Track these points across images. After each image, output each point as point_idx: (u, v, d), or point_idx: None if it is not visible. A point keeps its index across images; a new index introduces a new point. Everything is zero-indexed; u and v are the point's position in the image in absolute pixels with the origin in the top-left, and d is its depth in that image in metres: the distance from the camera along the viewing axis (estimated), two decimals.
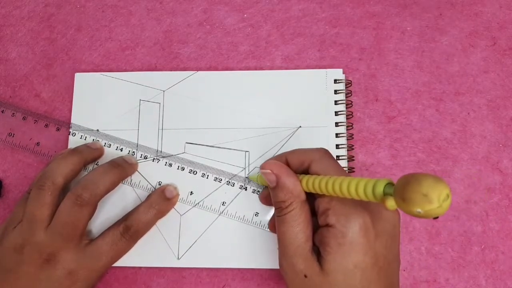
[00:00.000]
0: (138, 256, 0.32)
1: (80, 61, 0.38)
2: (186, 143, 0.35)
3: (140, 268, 0.33)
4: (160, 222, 0.33)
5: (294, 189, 0.26)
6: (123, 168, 0.32)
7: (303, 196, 0.27)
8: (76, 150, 0.32)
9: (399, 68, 0.36)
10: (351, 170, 0.34)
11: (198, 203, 0.33)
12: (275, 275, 0.33)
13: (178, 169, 0.34)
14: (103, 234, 0.31)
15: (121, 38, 0.38)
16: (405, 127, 0.35)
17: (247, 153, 0.34)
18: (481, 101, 0.35)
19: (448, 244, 0.33)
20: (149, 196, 0.33)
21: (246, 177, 0.33)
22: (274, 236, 0.32)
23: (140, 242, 0.32)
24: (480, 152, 0.34)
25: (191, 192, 0.33)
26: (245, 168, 0.34)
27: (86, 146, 0.33)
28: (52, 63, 0.38)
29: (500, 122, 0.35)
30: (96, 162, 0.34)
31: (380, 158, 0.34)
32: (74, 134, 0.35)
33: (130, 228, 0.31)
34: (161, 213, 0.32)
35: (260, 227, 0.33)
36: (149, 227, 0.32)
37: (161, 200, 0.32)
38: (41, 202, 0.29)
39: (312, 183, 0.26)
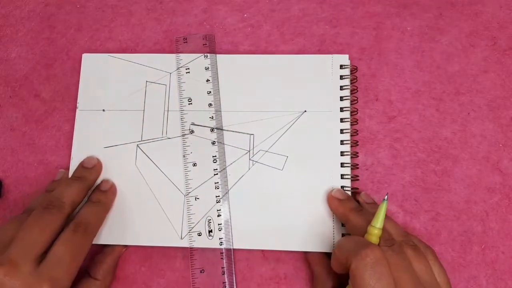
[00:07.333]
0: (142, 234, 0.33)
1: (80, 61, 0.37)
2: (191, 124, 0.35)
3: (140, 267, 0.33)
4: (164, 203, 0.33)
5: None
6: (84, 179, 0.33)
7: None
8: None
9: (399, 68, 0.36)
10: (355, 166, 0.34)
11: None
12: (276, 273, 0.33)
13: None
14: (56, 239, 0.28)
15: (121, 38, 0.38)
16: (405, 127, 0.35)
17: (252, 136, 0.34)
18: (481, 101, 0.35)
19: (448, 244, 0.33)
20: (90, 194, 0.33)
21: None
22: (274, 217, 0.33)
23: (144, 221, 0.33)
24: (480, 152, 0.34)
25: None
26: (249, 151, 0.34)
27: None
28: (52, 63, 0.38)
29: (500, 122, 0.35)
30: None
31: (380, 158, 0.34)
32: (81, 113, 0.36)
33: (80, 224, 0.30)
34: (105, 206, 0.33)
35: (264, 209, 0.33)
36: (98, 219, 0.32)
37: (99, 194, 0.33)
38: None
39: None
